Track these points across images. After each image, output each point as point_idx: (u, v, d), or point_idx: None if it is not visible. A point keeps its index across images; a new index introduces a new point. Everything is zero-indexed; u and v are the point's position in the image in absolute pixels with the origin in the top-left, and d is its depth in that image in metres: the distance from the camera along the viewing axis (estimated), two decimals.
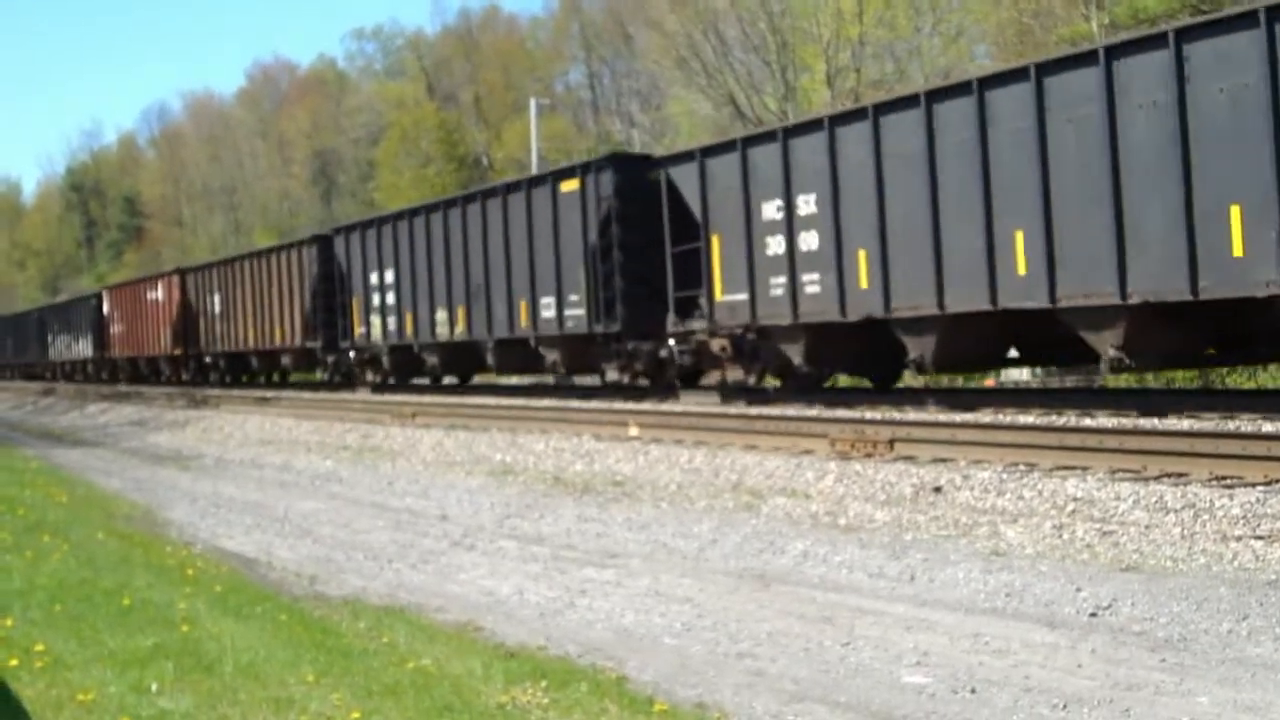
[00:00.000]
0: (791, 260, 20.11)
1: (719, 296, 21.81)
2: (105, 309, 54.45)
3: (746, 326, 21.27)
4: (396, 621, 9.35)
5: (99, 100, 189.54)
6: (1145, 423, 14.68)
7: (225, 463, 24.09)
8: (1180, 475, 12.21)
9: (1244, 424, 14.09)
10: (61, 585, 10.64)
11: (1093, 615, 8.71)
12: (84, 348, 57.55)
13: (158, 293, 47.72)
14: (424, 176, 71.04)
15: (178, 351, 45.84)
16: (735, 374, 22.11)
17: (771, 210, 20.39)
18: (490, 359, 28.87)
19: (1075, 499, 12.10)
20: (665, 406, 22.20)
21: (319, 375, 40.68)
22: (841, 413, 18.61)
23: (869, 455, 15.33)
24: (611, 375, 25.34)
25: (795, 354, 20.70)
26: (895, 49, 41.40)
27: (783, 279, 20.30)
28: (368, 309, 33.26)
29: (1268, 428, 13.49)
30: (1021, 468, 13.52)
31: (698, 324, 22.39)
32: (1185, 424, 14.35)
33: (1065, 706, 6.86)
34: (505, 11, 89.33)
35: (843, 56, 39.15)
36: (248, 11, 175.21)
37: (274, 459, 23.83)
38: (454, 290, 29.11)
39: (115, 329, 52.88)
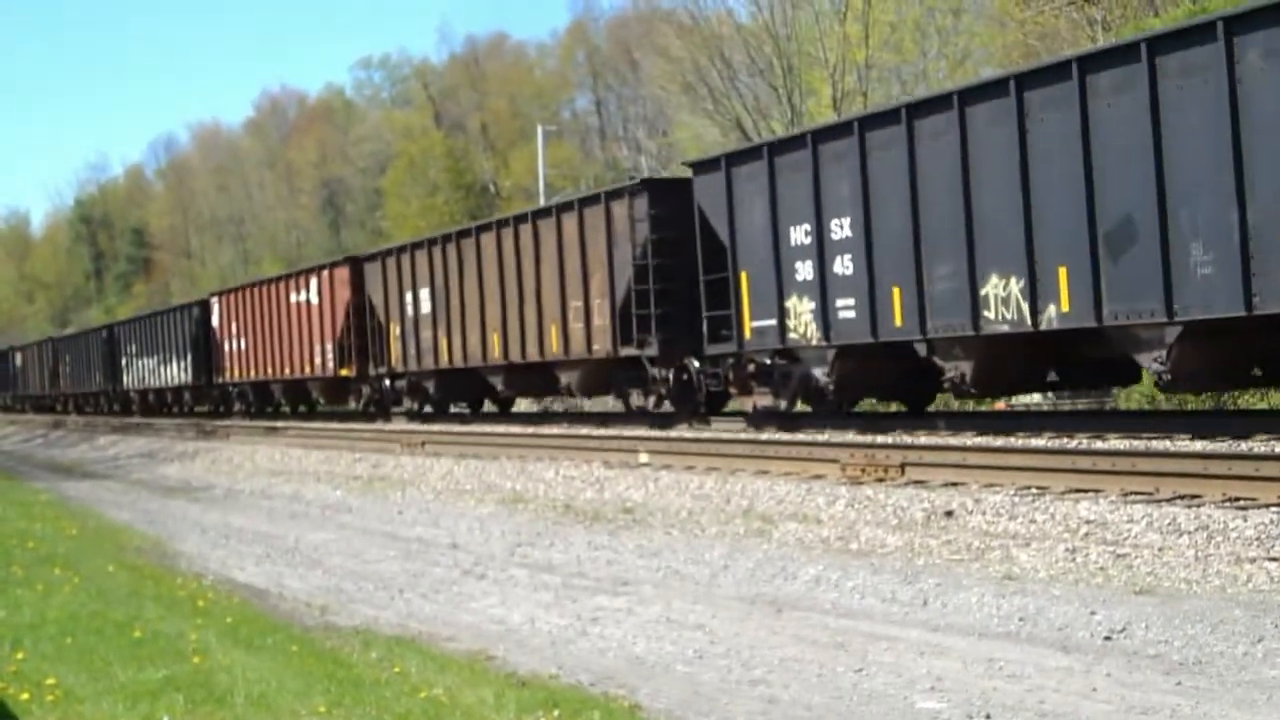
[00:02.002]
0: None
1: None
2: (215, 320, 44.34)
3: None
4: (408, 651, 9.32)
5: (107, 132, 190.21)
6: (1157, 444, 14.63)
7: (235, 493, 24.09)
8: (1193, 497, 12.15)
9: (1257, 445, 14.02)
10: (72, 618, 10.63)
11: (1107, 639, 8.66)
12: (177, 371, 47.52)
13: (308, 292, 37.57)
14: (432, 205, 71.21)
15: (348, 372, 35.64)
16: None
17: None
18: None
19: (1088, 522, 12.05)
20: (675, 433, 22.15)
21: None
22: (852, 437, 18.58)
23: (880, 480, 15.29)
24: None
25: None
26: (901, 72, 41.42)
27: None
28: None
29: None
30: (1033, 491, 13.46)
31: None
32: (1198, 445, 14.29)
33: None
34: (512, 39, 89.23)
35: (849, 80, 39.17)
36: (255, 42, 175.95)
37: (284, 489, 23.82)
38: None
39: (232, 345, 42.55)
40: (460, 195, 73.23)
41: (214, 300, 44.77)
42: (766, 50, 41.26)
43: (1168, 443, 14.80)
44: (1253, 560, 10.27)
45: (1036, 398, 28.48)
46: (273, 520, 19.33)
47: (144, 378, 51.51)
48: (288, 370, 38.12)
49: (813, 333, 19.74)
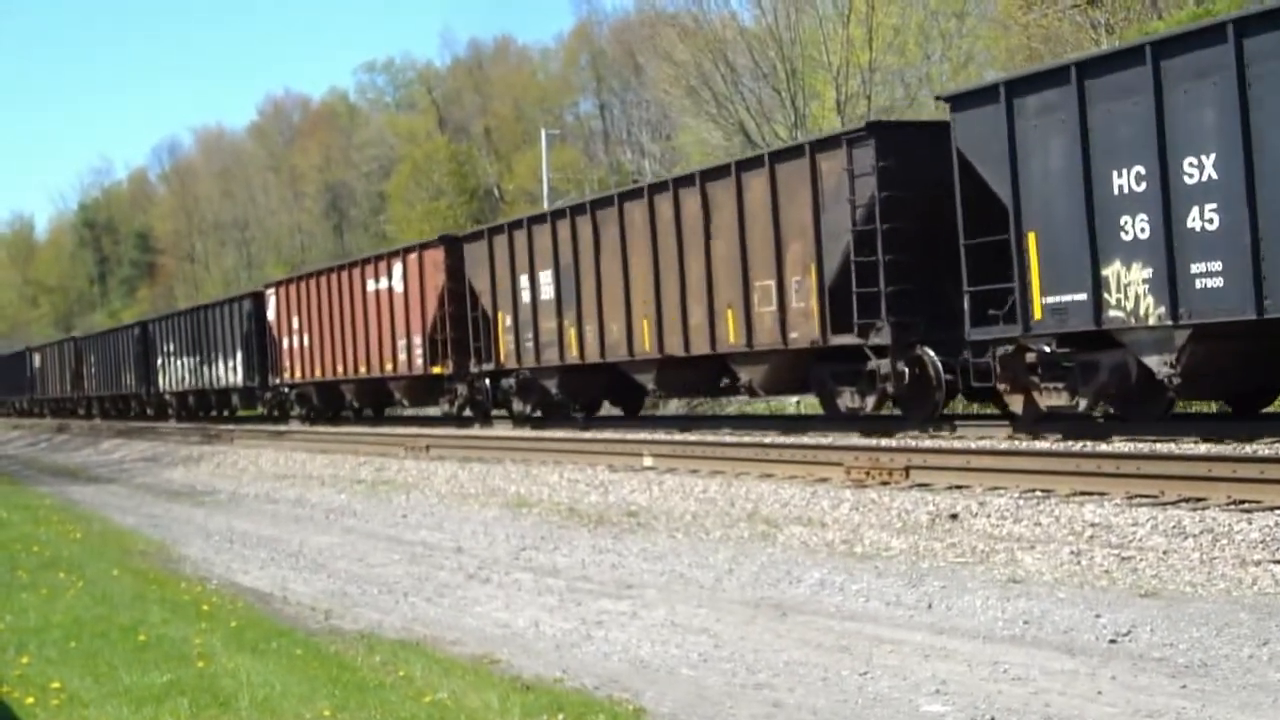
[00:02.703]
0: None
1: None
2: (271, 313, 39.79)
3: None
4: (412, 655, 9.32)
5: (110, 136, 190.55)
6: (1162, 447, 14.62)
7: (239, 497, 24.09)
8: (1198, 500, 12.14)
9: (1262, 447, 14.01)
10: (77, 622, 10.64)
11: (1112, 642, 8.65)
12: (224, 372, 43.13)
13: (389, 279, 32.70)
14: (436, 209, 71.20)
15: (441, 369, 30.82)
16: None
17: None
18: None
19: (1093, 525, 12.05)
20: (680, 436, 22.04)
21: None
22: (856, 440, 18.56)
23: (885, 483, 15.28)
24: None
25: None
26: (905, 75, 41.44)
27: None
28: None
29: None
30: (1038, 494, 13.46)
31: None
32: (1202, 448, 14.29)
33: None
34: (515, 43, 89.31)
35: (853, 83, 39.19)
36: (258, 46, 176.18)
37: (288, 493, 23.82)
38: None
39: (292, 341, 38.16)
40: (464, 199, 73.24)
41: (270, 292, 40.26)
42: (770, 54, 41.26)
43: (1173, 445, 14.79)
44: (1258, 563, 10.26)
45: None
46: (277, 524, 19.33)
47: (183, 379, 47.37)
48: (363, 368, 33.84)
49: (1148, 308, 15.35)
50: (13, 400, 78.31)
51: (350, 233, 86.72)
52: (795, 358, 21.19)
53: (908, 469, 15.28)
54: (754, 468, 17.57)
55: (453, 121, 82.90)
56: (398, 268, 32.09)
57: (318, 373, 36.68)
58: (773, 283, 20.82)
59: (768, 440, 19.68)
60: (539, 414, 28.41)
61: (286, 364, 38.48)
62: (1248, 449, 13.93)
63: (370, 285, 33.30)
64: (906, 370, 19.07)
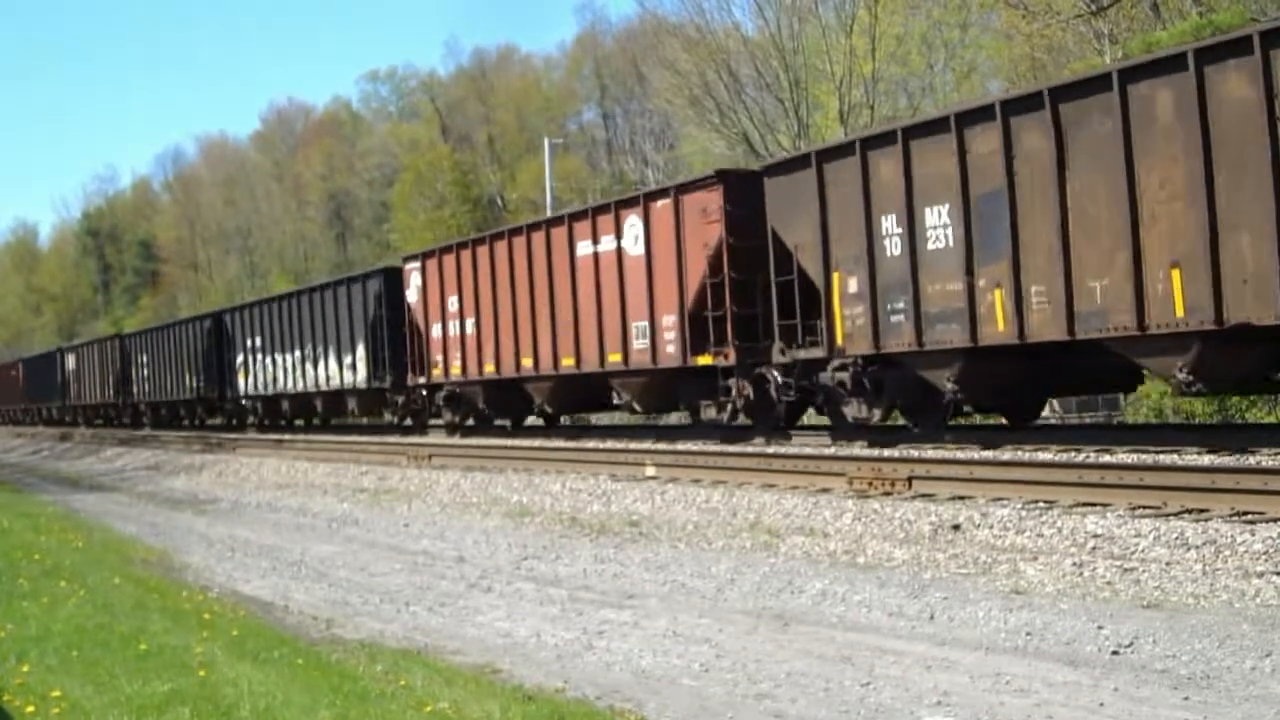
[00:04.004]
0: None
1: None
2: (413, 294, 31.81)
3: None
4: (414, 664, 9.31)
5: (114, 145, 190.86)
6: (1165, 458, 14.60)
7: (241, 506, 24.08)
8: (1201, 511, 12.12)
9: (1265, 458, 14.00)
10: (78, 630, 10.63)
11: (1114, 653, 8.64)
12: (336, 371, 35.62)
13: (618, 237, 24.46)
14: (439, 218, 71.26)
15: (709, 359, 22.22)
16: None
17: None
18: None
19: (1095, 536, 12.03)
20: (682, 446, 22.07)
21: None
22: (859, 450, 18.54)
23: (887, 493, 15.27)
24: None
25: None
26: (909, 85, 41.46)
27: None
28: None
29: None
30: (1041, 505, 13.44)
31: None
32: (1205, 459, 14.27)
33: None
34: (519, 52, 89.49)
35: (856, 93, 39.19)
36: (262, 55, 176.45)
37: (290, 502, 23.81)
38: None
39: (448, 329, 30.22)
40: (467, 208, 73.28)
41: (411, 266, 32.02)
42: (773, 64, 41.26)
43: (1175, 456, 14.77)
44: (1260, 574, 10.24)
45: (1044, 411, 27.61)
46: (279, 533, 19.32)
47: (273, 380, 39.79)
48: (568, 360, 25.86)
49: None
50: (40, 407, 69.68)
51: (353, 241, 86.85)
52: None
53: (910, 479, 15.26)
54: (756, 478, 17.55)
55: (456, 130, 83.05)
56: (631, 222, 24.06)
57: (488, 368, 28.73)
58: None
59: (770, 450, 19.66)
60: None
61: (438, 358, 30.62)
62: (1251, 460, 13.92)
63: (582, 248, 25.35)
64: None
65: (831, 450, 18.90)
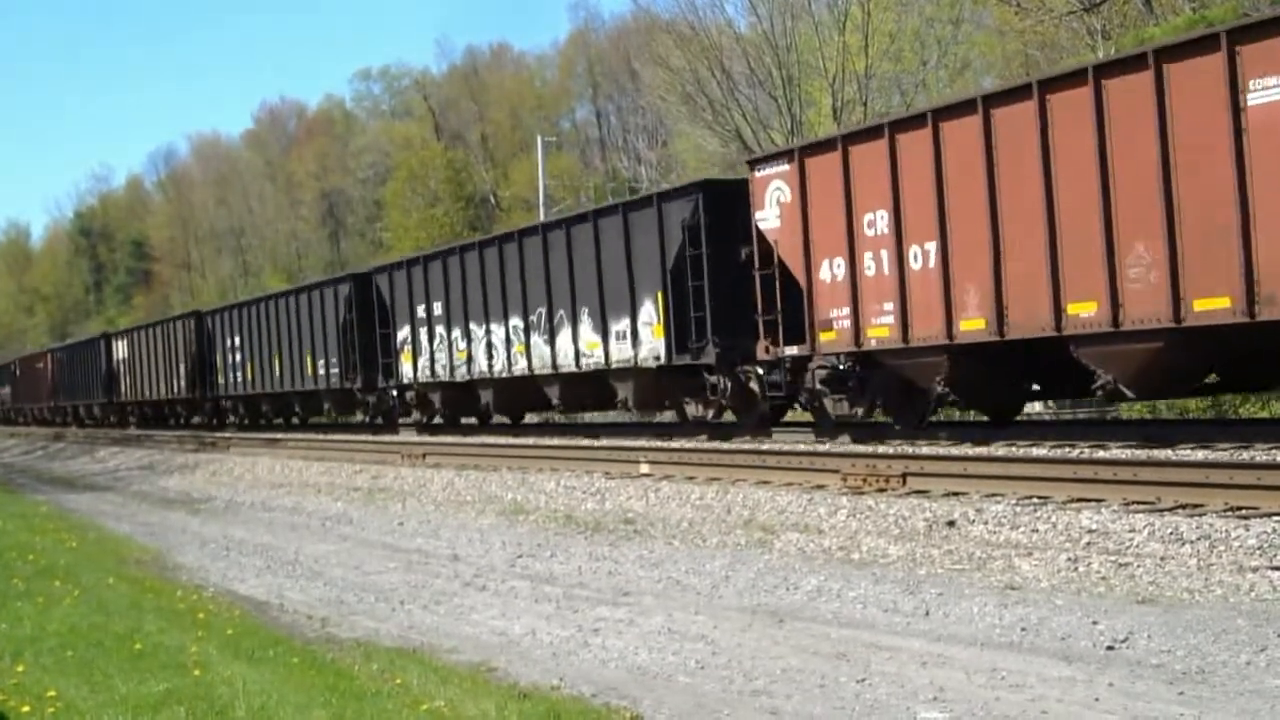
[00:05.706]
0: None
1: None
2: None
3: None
4: (409, 663, 9.30)
5: (107, 144, 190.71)
6: (1159, 454, 14.61)
7: (235, 505, 24.06)
8: (1195, 506, 12.13)
9: (1259, 454, 14.02)
10: (73, 630, 10.62)
11: (1110, 648, 8.64)
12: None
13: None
14: (432, 216, 71.27)
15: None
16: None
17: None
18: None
19: (1090, 531, 12.04)
20: (677, 443, 22.07)
21: None
22: (854, 447, 18.55)
23: (881, 490, 15.27)
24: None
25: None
26: (901, 82, 41.47)
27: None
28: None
29: None
30: (1035, 501, 13.45)
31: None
32: (1199, 454, 14.29)
33: None
34: (511, 50, 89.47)
35: (849, 90, 39.21)
36: (254, 54, 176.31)
37: (284, 501, 23.79)
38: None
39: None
40: (460, 206, 73.30)
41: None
42: (766, 60, 41.28)
43: (1169, 452, 14.79)
44: (1255, 569, 10.26)
45: (1038, 406, 27.78)
46: (273, 532, 19.30)
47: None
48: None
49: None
50: (78, 405, 59.73)
51: (346, 240, 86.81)
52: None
53: (905, 475, 15.26)
54: (751, 474, 17.54)
55: (449, 128, 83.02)
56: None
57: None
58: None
59: (765, 447, 19.67)
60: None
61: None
62: (1245, 455, 13.94)
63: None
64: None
65: (826, 447, 18.90)
